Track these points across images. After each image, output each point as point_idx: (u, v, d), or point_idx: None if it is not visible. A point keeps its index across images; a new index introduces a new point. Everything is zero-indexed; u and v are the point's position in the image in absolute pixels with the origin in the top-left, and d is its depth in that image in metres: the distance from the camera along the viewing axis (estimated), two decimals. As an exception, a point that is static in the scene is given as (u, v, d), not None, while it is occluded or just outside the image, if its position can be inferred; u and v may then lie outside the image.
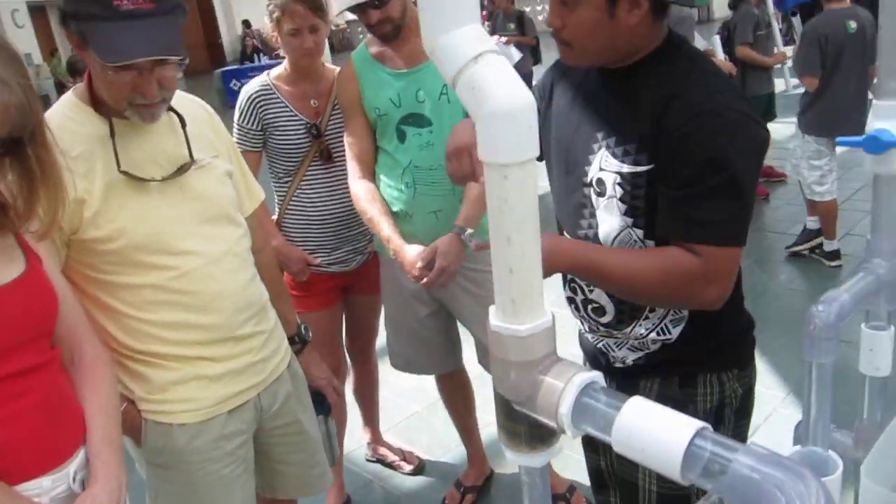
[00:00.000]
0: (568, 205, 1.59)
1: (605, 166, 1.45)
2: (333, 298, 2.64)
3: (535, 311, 0.81)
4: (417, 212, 2.28)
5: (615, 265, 1.41)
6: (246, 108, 2.44)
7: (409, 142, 2.24)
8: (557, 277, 1.58)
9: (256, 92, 2.44)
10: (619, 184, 1.42)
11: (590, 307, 1.61)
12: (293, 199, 2.52)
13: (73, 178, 1.44)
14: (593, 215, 1.52)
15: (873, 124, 0.87)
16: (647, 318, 1.53)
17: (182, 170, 1.60)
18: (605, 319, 1.59)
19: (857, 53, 4.20)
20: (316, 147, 2.46)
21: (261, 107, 2.43)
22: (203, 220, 1.64)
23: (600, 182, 1.46)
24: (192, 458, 1.64)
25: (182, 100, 1.70)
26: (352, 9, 2.12)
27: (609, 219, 1.48)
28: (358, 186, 2.32)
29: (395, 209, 2.30)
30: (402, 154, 2.25)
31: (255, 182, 1.95)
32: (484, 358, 2.46)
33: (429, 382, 2.90)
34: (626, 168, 1.41)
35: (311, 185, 2.50)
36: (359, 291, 2.67)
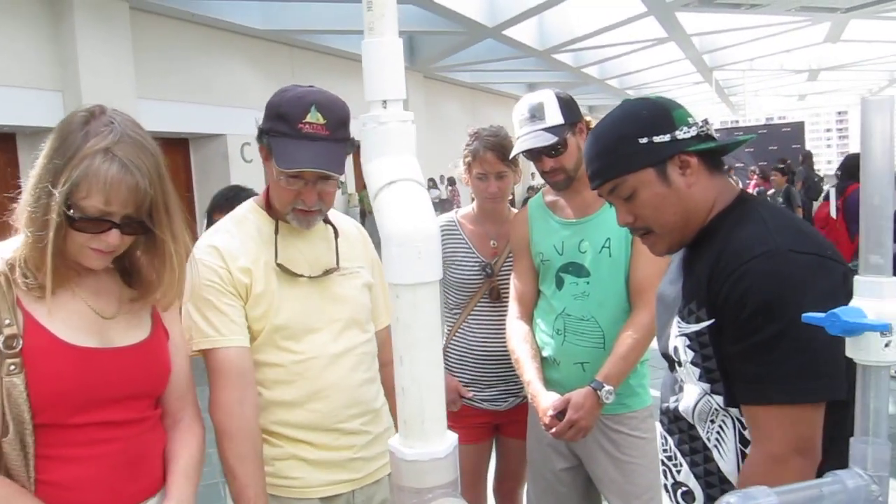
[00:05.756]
0: (666, 384, 1.56)
1: (677, 331, 1.39)
2: (482, 435, 2.64)
3: (427, 436, 0.81)
4: (564, 360, 2.25)
5: None
6: None
7: (566, 289, 2.25)
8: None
9: (442, 226, 2.64)
10: (688, 346, 1.36)
11: (679, 491, 1.49)
12: (459, 330, 2.62)
13: (247, 260, 1.73)
14: (681, 388, 1.45)
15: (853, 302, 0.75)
16: None
17: (328, 272, 1.82)
18: None
19: None
20: (487, 285, 2.57)
21: (443, 240, 2.61)
22: (334, 320, 1.83)
23: (676, 350, 1.40)
24: None
25: (341, 219, 1.96)
26: (528, 154, 2.24)
27: (689, 387, 1.40)
28: (513, 326, 2.36)
29: (544, 354, 2.30)
30: (558, 300, 2.26)
31: None
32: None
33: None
34: (691, 328, 1.35)
35: (477, 320, 2.59)
36: (509, 434, 2.64)
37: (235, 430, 1.66)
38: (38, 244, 1.27)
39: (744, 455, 1.34)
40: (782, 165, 10.22)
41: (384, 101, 0.81)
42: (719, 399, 1.33)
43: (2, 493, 1.25)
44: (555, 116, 2.18)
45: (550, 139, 2.15)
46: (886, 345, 0.71)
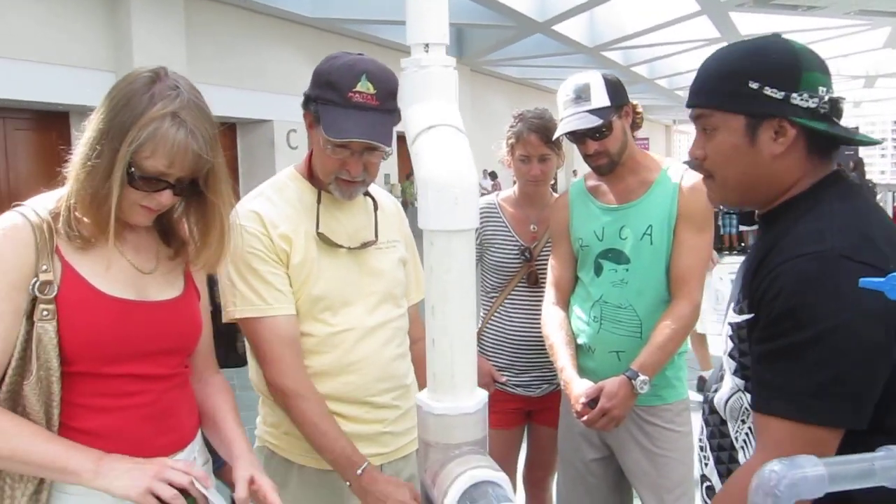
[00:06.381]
0: (715, 371, 1.46)
1: (728, 318, 1.30)
2: (514, 421, 2.61)
3: (456, 391, 0.79)
4: (600, 348, 2.20)
5: None
6: None
7: (604, 276, 2.21)
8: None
9: (482, 209, 2.60)
10: (730, 336, 1.27)
11: (704, 485, 1.42)
12: (495, 314, 2.59)
13: (288, 228, 1.72)
14: (722, 378, 1.36)
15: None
16: None
17: (365, 245, 1.81)
18: None
19: None
20: (526, 269, 2.54)
21: (483, 223, 2.58)
22: (370, 293, 1.81)
23: (725, 338, 1.31)
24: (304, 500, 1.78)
25: (379, 192, 1.93)
26: (572, 137, 2.20)
27: (726, 379, 1.32)
28: (549, 311, 2.33)
29: (579, 341, 2.26)
30: (596, 287, 2.22)
31: None
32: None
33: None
34: (734, 318, 1.25)
35: (514, 304, 2.56)
36: (542, 421, 2.61)
37: (308, 391, 1.68)
38: (95, 197, 1.29)
39: None
40: None
41: (426, 45, 0.79)
42: (749, 398, 1.24)
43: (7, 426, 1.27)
44: (601, 98, 2.13)
45: (595, 121, 2.10)
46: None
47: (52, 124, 9.11)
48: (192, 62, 9.57)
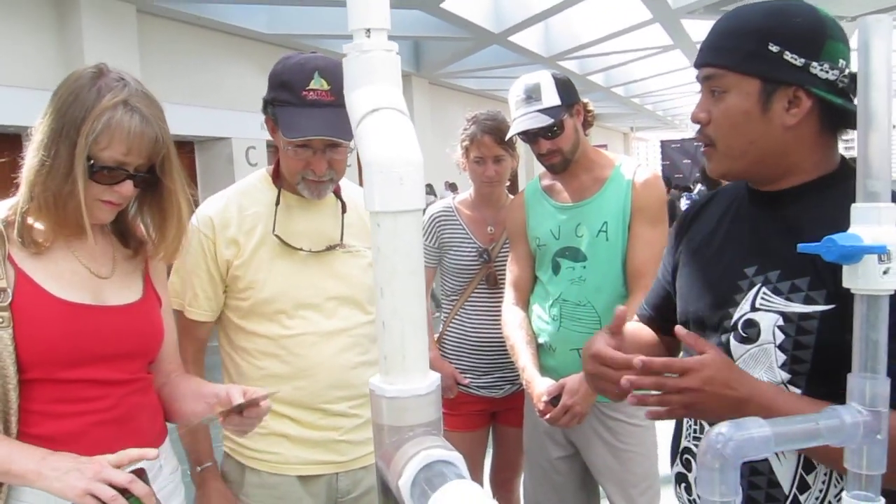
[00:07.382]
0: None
1: (763, 305, 1.17)
2: (479, 423, 2.61)
3: (408, 373, 0.79)
4: (560, 346, 2.22)
5: None
6: (427, 227, 2.62)
7: (562, 274, 2.22)
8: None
9: (439, 213, 2.62)
10: (780, 327, 1.14)
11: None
12: (456, 316, 2.60)
13: (239, 231, 1.74)
14: None
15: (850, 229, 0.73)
16: None
17: (330, 248, 1.79)
18: None
19: None
20: (485, 271, 2.55)
21: (440, 227, 2.60)
22: (332, 297, 1.79)
23: (749, 325, 1.19)
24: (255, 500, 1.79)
25: (355, 192, 1.90)
26: (525, 137, 2.22)
27: (755, 371, 1.18)
28: (509, 312, 2.34)
29: (540, 340, 2.27)
30: (554, 286, 2.24)
31: None
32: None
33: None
34: (794, 307, 1.13)
35: (474, 306, 2.57)
36: (506, 422, 2.62)
37: None
38: (58, 197, 1.29)
39: (806, 462, 1.15)
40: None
41: (368, 30, 0.79)
42: (798, 393, 1.14)
43: None
44: (551, 98, 2.16)
45: (546, 120, 2.13)
46: (885, 272, 0.69)
47: (3, 147, 8.93)
48: (146, 81, 9.08)
